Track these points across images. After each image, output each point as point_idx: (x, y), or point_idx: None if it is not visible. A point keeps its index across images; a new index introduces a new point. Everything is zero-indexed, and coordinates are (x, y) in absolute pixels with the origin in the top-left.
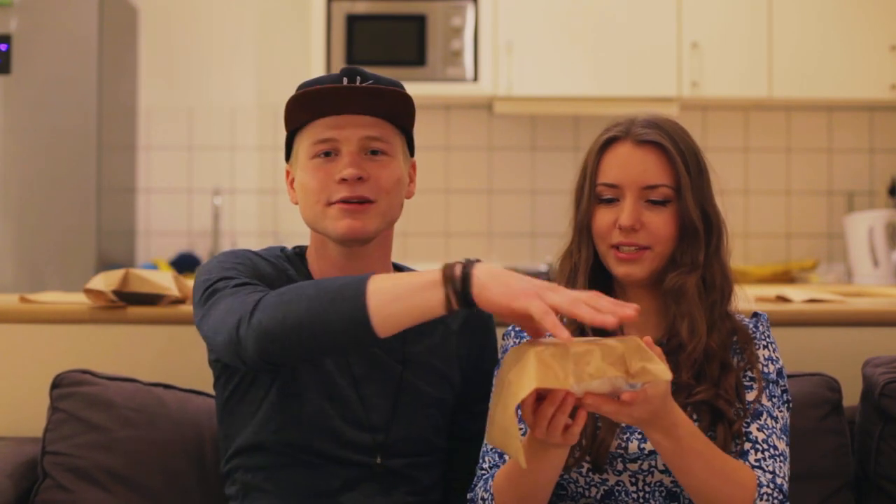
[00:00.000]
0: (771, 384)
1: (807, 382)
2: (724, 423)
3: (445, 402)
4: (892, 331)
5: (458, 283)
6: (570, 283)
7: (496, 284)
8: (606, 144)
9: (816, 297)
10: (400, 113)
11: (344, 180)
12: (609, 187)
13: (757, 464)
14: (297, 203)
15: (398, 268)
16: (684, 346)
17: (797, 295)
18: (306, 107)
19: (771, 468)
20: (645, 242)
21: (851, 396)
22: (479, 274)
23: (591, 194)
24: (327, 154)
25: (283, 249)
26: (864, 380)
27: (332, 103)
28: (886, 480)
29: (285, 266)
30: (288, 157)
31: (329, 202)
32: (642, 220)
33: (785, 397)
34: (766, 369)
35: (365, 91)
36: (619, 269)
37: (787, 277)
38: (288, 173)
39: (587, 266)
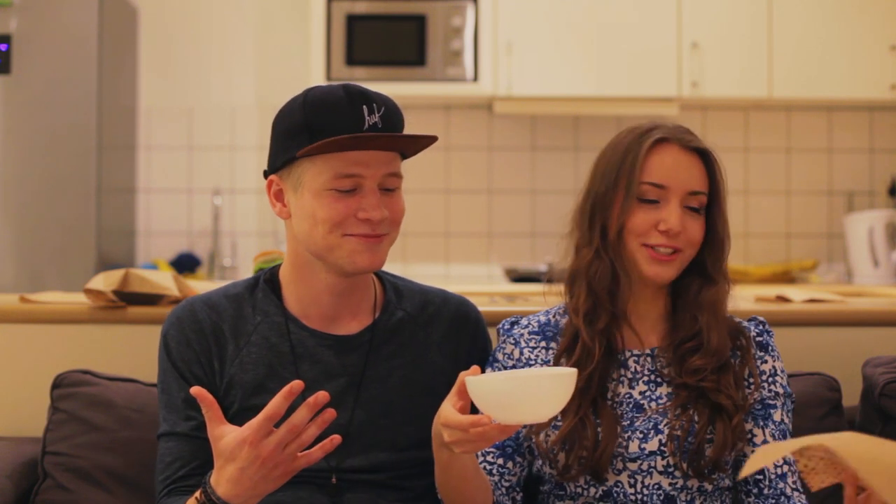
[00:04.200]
0: (787, 399)
1: (807, 382)
2: (723, 418)
3: (429, 415)
4: (892, 331)
5: None
6: (610, 283)
7: (243, 489)
8: (655, 144)
9: (816, 297)
10: (418, 150)
11: (369, 220)
12: (655, 187)
13: (795, 486)
14: (286, 217)
15: (380, 277)
16: (708, 349)
17: (797, 295)
18: (340, 142)
19: (801, 488)
20: (681, 246)
21: (851, 396)
22: (225, 492)
23: (630, 192)
24: (348, 189)
25: (256, 278)
26: (864, 380)
27: (366, 141)
28: None
29: (241, 306)
30: (277, 169)
31: (346, 234)
32: (684, 224)
33: (790, 405)
34: (783, 381)
35: (407, 137)
36: (650, 269)
37: (787, 277)
38: (271, 183)
39: (626, 264)
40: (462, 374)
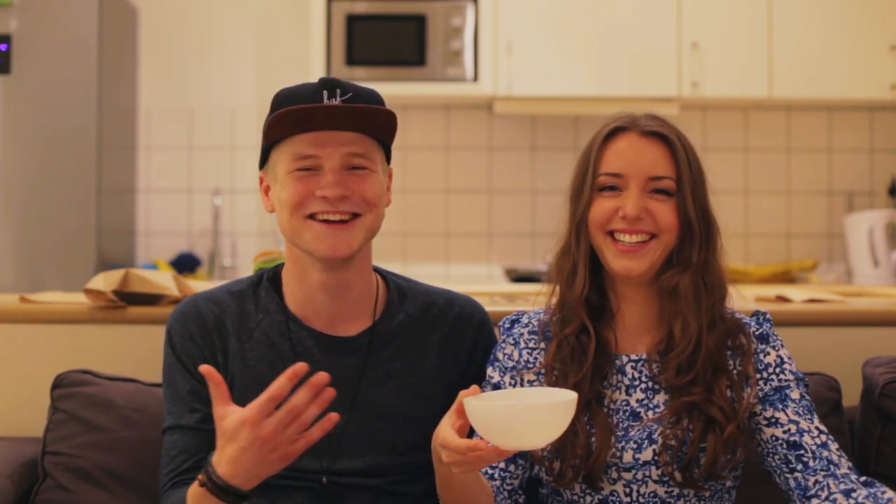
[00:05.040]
0: (800, 383)
1: None
2: (715, 431)
3: (426, 418)
4: (892, 331)
5: (220, 488)
6: (570, 280)
7: (241, 470)
8: (610, 135)
9: (816, 297)
10: (380, 128)
11: (325, 198)
12: (612, 176)
13: (839, 453)
14: (272, 211)
15: (381, 273)
16: (676, 345)
17: (797, 295)
18: (285, 121)
19: (843, 453)
20: (651, 230)
21: (851, 396)
22: (225, 472)
23: (592, 185)
24: (308, 170)
25: (260, 275)
26: (864, 380)
27: (311, 119)
28: (886, 480)
29: (244, 303)
30: (262, 164)
31: (308, 215)
32: (647, 208)
33: (804, 388)
34: (791, 367)
35: (346, 109)
36: (618, 263)
37: (787, 277)
38: (262, 180)
39: (586, 259)
40: (461, 393)
